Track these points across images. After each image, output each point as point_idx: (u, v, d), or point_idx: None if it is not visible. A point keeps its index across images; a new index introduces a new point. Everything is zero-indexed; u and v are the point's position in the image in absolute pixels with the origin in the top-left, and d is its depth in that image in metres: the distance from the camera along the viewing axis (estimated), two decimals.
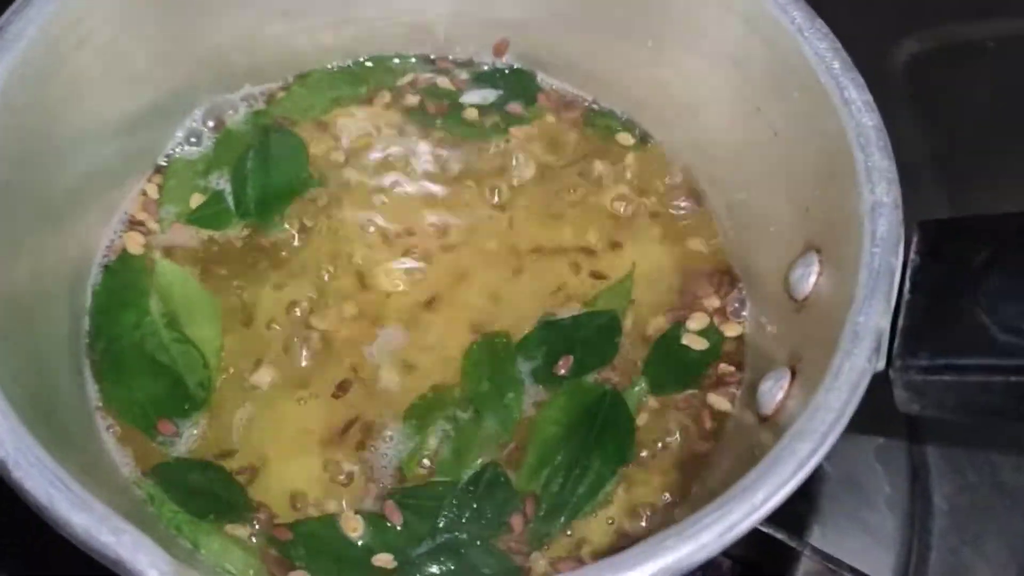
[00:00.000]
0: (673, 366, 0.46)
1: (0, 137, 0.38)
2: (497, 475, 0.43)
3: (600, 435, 0.44)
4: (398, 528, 0.42)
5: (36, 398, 0.35)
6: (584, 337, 0.46)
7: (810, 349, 0.39)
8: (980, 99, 0.62)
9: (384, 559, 0.41)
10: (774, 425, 0.39)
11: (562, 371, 0.45)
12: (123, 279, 0.46)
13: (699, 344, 0.46)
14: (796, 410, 0.37)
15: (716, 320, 0.47)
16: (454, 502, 0.42)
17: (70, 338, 0.43)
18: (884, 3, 0.63)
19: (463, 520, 0.42)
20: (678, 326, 0.47)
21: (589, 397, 0.45)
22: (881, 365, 0.35)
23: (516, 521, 0.42)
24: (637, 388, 0.45)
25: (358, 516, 0.42)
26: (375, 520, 0.42)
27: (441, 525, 0.42)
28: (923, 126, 0.60)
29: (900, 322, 0.35)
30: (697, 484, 0.43)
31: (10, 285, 0.38)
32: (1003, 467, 0.52)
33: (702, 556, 0.31)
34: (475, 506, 0.42)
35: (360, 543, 0.41)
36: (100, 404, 0.43)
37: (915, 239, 0.37)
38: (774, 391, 0.39)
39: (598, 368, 0.46)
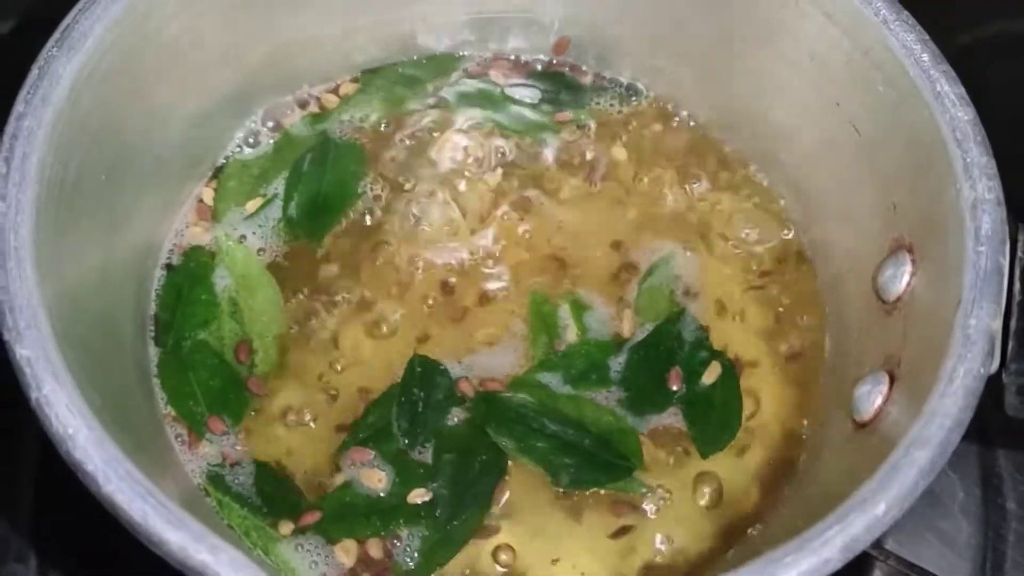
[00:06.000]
0: None
1: (69, 138, 0.37)
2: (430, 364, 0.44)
3: (585, 452, 0.43)
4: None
5: (114, 409, 0.34)
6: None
7: (910, 353, 0.38)
8: None
9: (418, 493, 0.42)
10: (873, 432, 0.37)
11: (675, 386, 0.44)
12: (187, 275, 0.45)
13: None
14: (899, 416, 0.36)
15: None
16: (402, 399, 0.43)
17: (136, 346, 0.43)
18: None
19: (419, 410, 0.43)
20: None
21: (615, 447, 0.43)
22: (994, 369, 0.34)
23: (465, 386, 0.44)
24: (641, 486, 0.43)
25: (376, 468, 0.42)
26: (398, 465, 0.42)
27: (401, 431, 0.43)
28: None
29: (1013, 324, 0.34)
30: (786, 492, 0.42)
31: (82, 290, 0.37)
32: None
33: (825, 572, 0.29)
34: (422, 394, 0.43)
35: (389, 491, 0.42)
36: (167, 412, 0.42)
37: (1022, 237, 0.36)
38: (872, 396, 0.38)
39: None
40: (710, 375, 0.44)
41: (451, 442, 0.43)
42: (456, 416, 0.44)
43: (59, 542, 0.46)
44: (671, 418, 0.44)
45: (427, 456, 0.43)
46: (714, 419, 0.44)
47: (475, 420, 0.43)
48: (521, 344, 0.45)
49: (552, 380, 0.44)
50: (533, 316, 0.46)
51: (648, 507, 0.42)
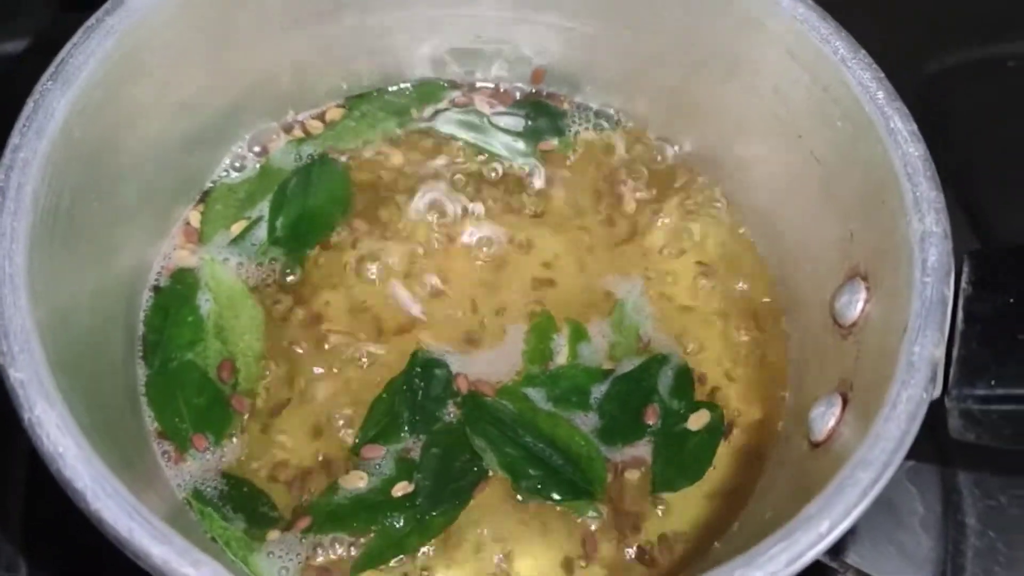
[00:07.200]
0: None
1: (61, 169, 0.38)
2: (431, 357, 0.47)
3: (551, 468, 0.44)
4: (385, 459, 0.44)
5: (102, 427, 0.35)
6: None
7: (861, 376, 0.39)
8: (1001, 118, 0.62)
9: (401, 487, 0.44)
10: (827, 452, 0.39)
11: (650, 421, 0.46)
12: (174, 297, 0.47)
13: None
14: (850, 437, 0.38)
15: None
16: (404, 387, 0.46)
17: (125, 364, 0.44)
18: (903, 23, 0.64)
19: (418, 398, 0.45)
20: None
21: (582, 470, 0.45)
22: (937, 394, 0.36)
23: (462, 382, 0.46)
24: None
25: (358, 470, 0.44)
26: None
27: (403, 419, 0.45)
28: (944, 146, 0.61)
29: (955, 352, 0.36)
30: (743, 511, 0.43)
31: (73, 313, 0.39)
32: None
33: None
34: (422, 384, 0.46)
35: (373, 487, 0.44)
36: (154, 428, 0.44)
37: (966, 269, 0.38)
38: (826, 417, 0.40)
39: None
40: (697, 422, 0.46)
41: (440, 437, 0.45)
42: (451, 412, 0.46)
43: (49, 550, 0.47)
44: (642, 449, 0.45)
45: (415, 453, 0.45)
46: (679, 462, 0.45)
47: (463, 418, 0.45)
48: (516, 358, 0.47)
49: (536, 395, 0.46)
50: (533, 333, 0.48)
51: (601, 532, 0.44)
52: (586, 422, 0.46)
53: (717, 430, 0.46)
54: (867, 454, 0.34)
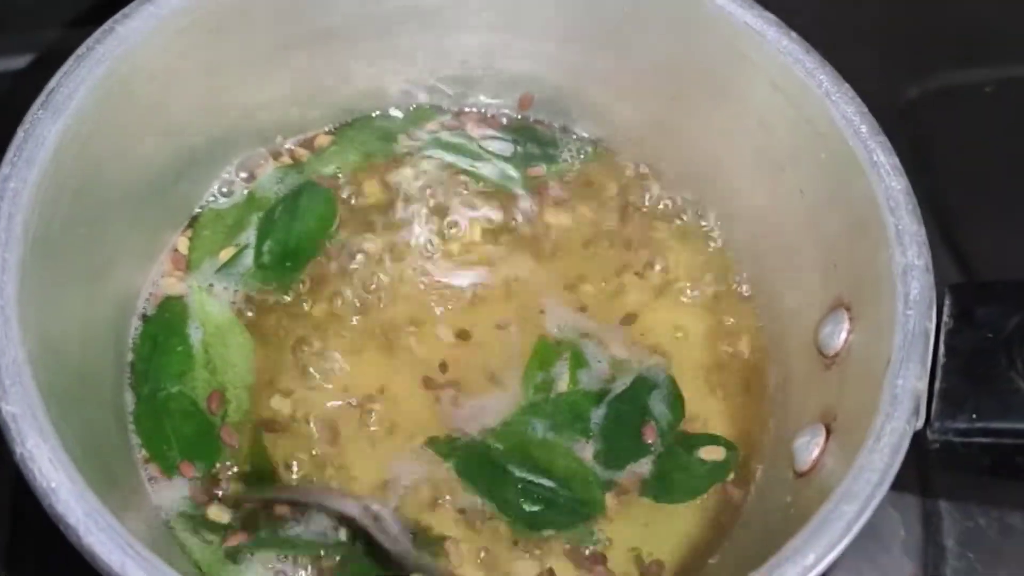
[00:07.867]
0: None
1: (52, 198, 0.38)
2: None
3: (547, 498, 0.45)
4: None
5: (92, 455, 0.35)
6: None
7: (844, 407, 0.40)
8: (979, 144, 0.63)
9: None
10: (811, 482, 0.40)
11: (649, 439, 0.46)
12: (162, 326, 0.47)
13: None
14: (834, 467, 0.38)
15: None
16: None
17: (114, 392, 0.44)
18: (880, 50, 0.65)
19: None
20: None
21: (577, 492, 0.45)
22: (919, 426, 0.36)
23: None
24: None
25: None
26: None
27: None
28: (922, 173, 0.61)
29: (937, 385, 0.36)
30: (728, 539, 0.44)
31: (63, 342, 0.39)
32: (1012, 513, 0.53)
33: None
34: None
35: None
36: (142, 455, 0.44)
37: (947, 303, 0.38)
38: (810, 448, 0.40)
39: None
40: (710, 454, 0.46)
41: None
42: None
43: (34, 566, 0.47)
44: (645, 468, 0.46)
45: None
46: (676, 481, 0.45)
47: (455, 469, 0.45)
48: (517, 388, 0.47)
49: (539, 425, 0.46)
50: (534, 361, 0.48)
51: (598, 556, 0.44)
52: (588, 448, 0.46)
53: (726, 469, 0.46)
54: (851, 486, 0.34)
